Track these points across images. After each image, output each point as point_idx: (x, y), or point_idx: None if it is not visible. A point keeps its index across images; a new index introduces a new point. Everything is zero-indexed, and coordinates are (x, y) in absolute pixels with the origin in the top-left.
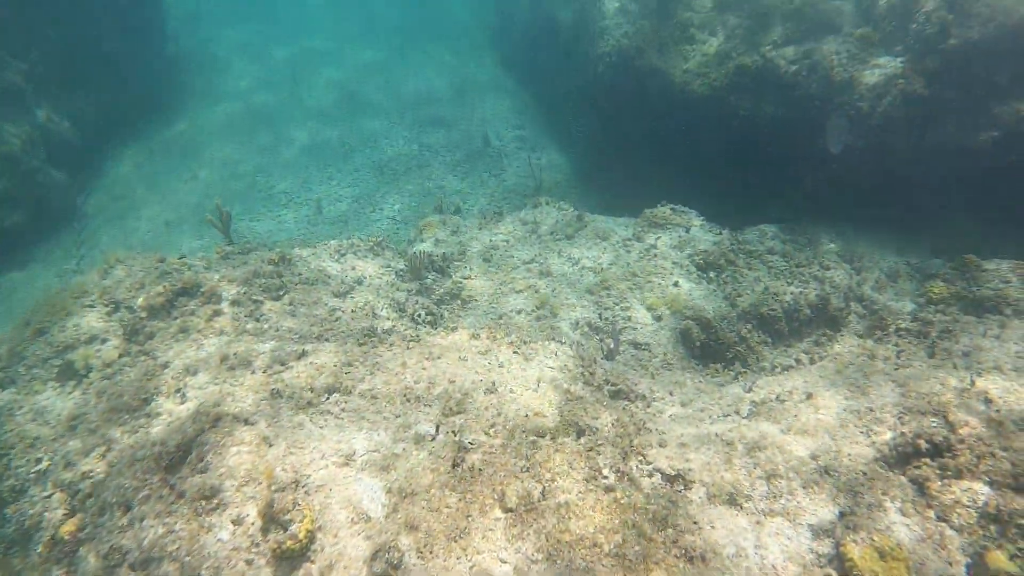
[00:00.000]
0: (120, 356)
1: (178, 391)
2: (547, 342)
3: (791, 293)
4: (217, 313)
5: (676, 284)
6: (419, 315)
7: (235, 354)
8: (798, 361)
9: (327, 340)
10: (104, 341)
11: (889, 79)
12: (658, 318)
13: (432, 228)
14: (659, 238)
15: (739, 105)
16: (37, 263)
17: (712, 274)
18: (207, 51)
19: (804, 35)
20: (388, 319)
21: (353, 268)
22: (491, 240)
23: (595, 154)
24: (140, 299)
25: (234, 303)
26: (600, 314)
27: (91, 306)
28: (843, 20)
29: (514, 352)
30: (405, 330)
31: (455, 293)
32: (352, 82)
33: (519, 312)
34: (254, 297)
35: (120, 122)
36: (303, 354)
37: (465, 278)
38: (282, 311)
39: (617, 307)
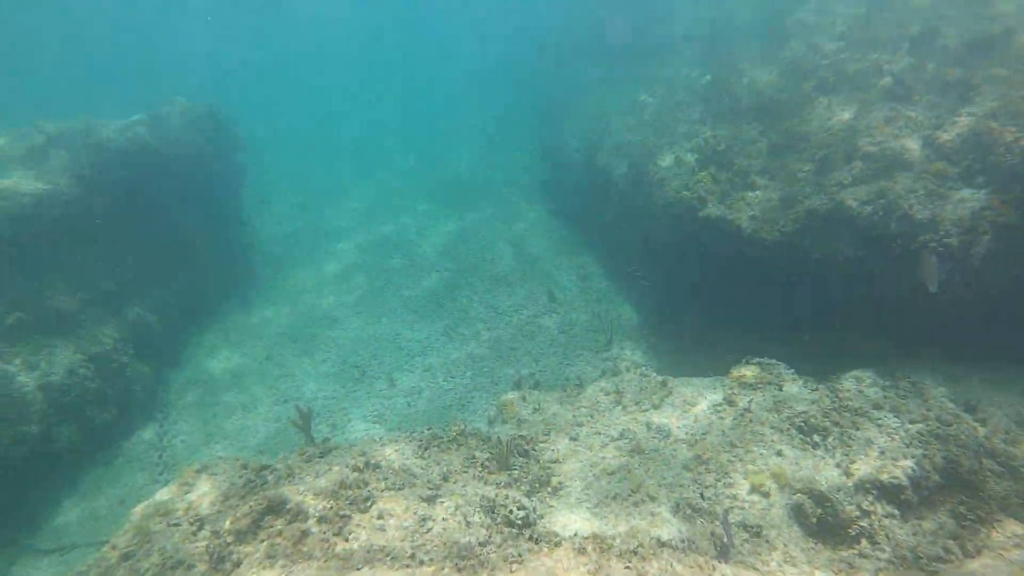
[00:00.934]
0: None
1: None
2: (659, 549)
3: (913, 456)
4: (304, 534)
5: (779, 453)
6: (512, 515)
7: None
8: (947, 551)
9: (423, 563)
10: (191, 568)
11: (976, 212)
12: (765, 494)
13: (512, 407)
14: (752, 400)
15: (812, 248)
16: (122, 458)
17: (817, 438)
18: (277, 237)
19: (874, 174)
20: (481, 525)
21: (438, 463)
22: (575, 416)
23: (662, 303)
24: (227, 521)
25: (321, 520)
26: (701, 493)
27: (177, 524)
28: (911, 156)
29: (626, 567)
30: (503, 542)
31: (544, 480)
32: (416, 250)
33: (614, 498)
34: (341, 512)
35: (199, 309)
36: None
37: (553, 462)
38: (371, 526)
39: (719, 483)
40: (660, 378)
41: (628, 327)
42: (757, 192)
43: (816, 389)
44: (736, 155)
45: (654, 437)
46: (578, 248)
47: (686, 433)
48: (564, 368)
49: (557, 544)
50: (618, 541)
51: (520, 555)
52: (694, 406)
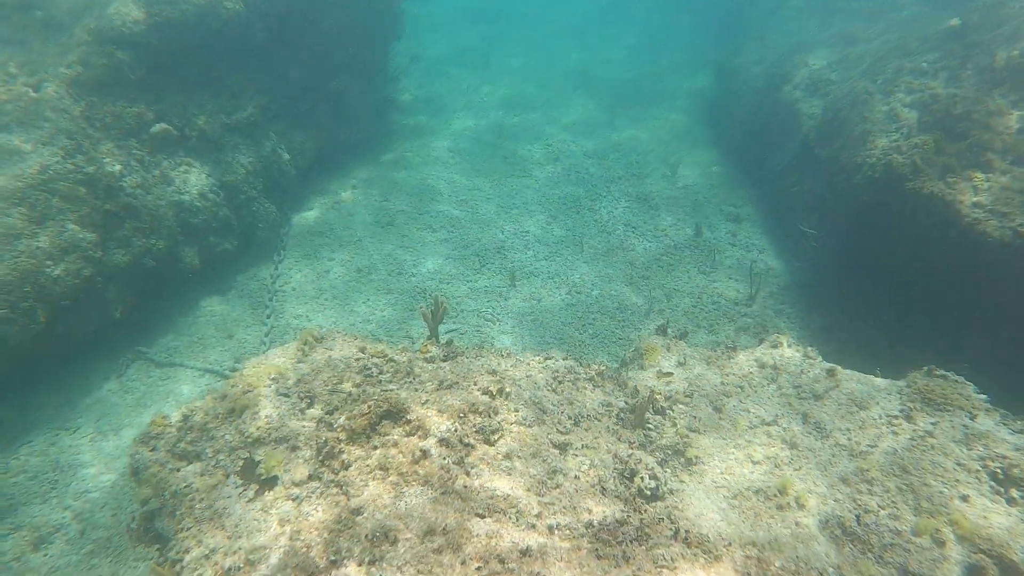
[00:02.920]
0: (309, 478)
1: (372, 561)
2: None
3: None
4: (424, 455)
5: (964, 498)
6: (643, 483)
7: (444, 527)
8: None
9: (553, 532)
10: (295, 449)
11: None
12: (939, 542)
13: (654, 354)
14: (936, 424)
15: None
16: (236, 291)
17: (1017, 494)
18: (420, 100)
19: None
20: (617, 496)
21: (570, 402)
22: (722, 383)
23: (825, 271)
24: (342, 417)
25: (443, 443)
26: (858, 516)
27: (286, 395)
28: None
29: None
30: (641, 523)
31: (679, 450)
32: (559, 143)
33: (756, 492)
34: (466, 439)
35: (331, 157)
36: (526, 552)
37: (692, 430)
38: (496, 464)
39: (881, 511)
40: (827, 365)
41: (776, 286)
42: (991, 176)
43: (1023, 432)
44: (974, 125)
45: (811, 433)
46: (736, 185)
47: (849, 439)
48: (697, 312)
49: (716, 558)
50: (777, 564)
51: (673, 560)
52: (863, 409)
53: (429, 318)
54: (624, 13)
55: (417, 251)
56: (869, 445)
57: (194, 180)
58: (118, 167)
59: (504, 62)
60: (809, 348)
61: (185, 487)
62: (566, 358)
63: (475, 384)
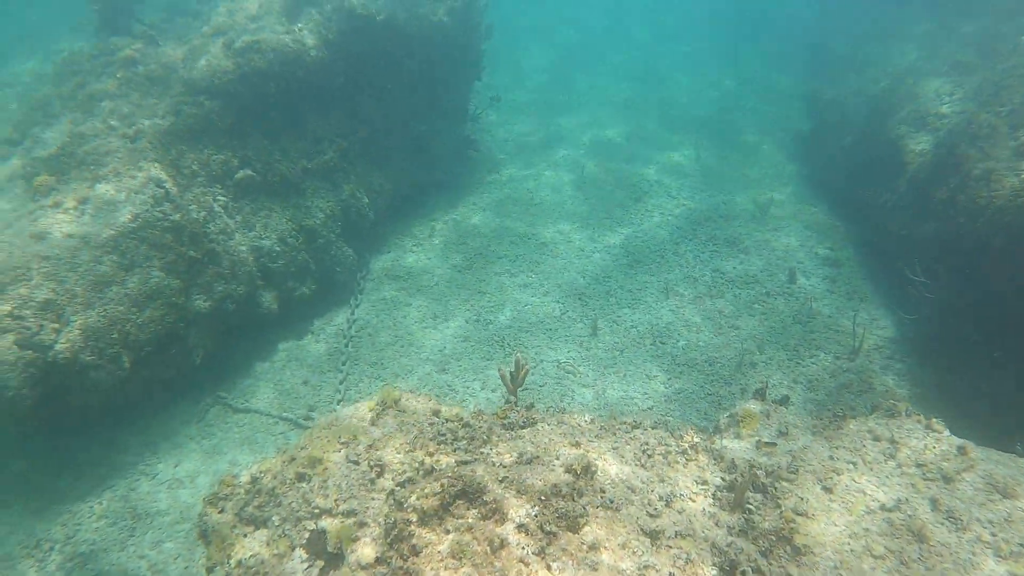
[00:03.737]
0: (376, 561)
1: None
2: None
3: None
4: (502, 543)
5: None
6: None
7: None
8: None
9: None
10: (363, 525)
11: None
12: None
13: (752, 422)
14: None
15: None
16: (312, 335)
17: None
18: (501, 139)
19: None
20: None
21: (661, 479)
22: (831, 457)
23: (939, 322)
24: (413, 496)
25: (522, 529)
26: None
27: (356, 462)
28: None
29: None
30: None
31: (786, 536)
32: (644, 183)
33: None
34: (547, 526)
35: (410, 200)
36: None
37: (800, 513)
38: (580, 556)
39: None
40: (957, 441)
41: (882, 338)
42: None
43: None
44: None
45: (943, 523)
46: (832, 226)
47: (994, 535)
48: (795, 367)
49: None
50: None
51: None
52: (1008, 497)
53: (508, 380)
54: (695, 48)
55: (495, 297)
56: (1021, 545)
57: (274, 225)
58: (203, 213)
59: (580, 98)
60: (934, 419)
61: (251, 556)
62: (655, 427)
63: (557, 459)
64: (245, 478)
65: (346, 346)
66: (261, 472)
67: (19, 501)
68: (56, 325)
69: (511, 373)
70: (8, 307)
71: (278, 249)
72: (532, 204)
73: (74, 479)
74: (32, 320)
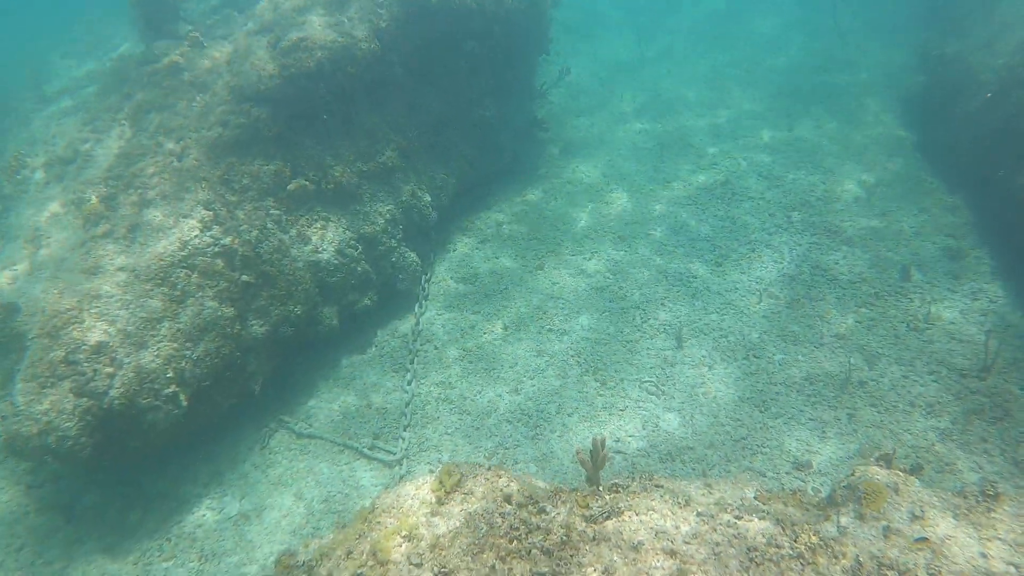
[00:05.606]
0: None
1: None
2: None
3: None
4: None
5: None
6: None
7: None
8: None
9: None
10: None
11: None
12: None
13: (878, 499)
14: None
15: None
16: (375, 349)
17: None
18: (571, 116)
19: None
20: None
21: None
22: (983, 552)
23: None
24: None
25: None
26: None
27: (418, 565)
28: None
29: None
30: None
31: None
32: (722, 157)
33: None
34: None
35: (475, 191)
36: None
37: None
38: None
39: None
40: None
41: (1021, 351)
42: None
43: None
44: None
45: None
46: (953, 207)
47: None
48: (911, 387)
49: None
50: None
51: None
52: None
53: (589, 465)
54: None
55: (569, 302)
56: None
57: (331, 236)
58: (255, 233)
59: (654, 67)
60: None
61: None
62: (763, 518)
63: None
64: (301, 562)
65: (411, 362)
66: (317, 560)
67: (91, 537)
68: (110, 369)
69: (591, 457)
70: (62, 353)
71: (336, 262)
72: (603, 189)
73: (144, 512)
74: (86, 365)
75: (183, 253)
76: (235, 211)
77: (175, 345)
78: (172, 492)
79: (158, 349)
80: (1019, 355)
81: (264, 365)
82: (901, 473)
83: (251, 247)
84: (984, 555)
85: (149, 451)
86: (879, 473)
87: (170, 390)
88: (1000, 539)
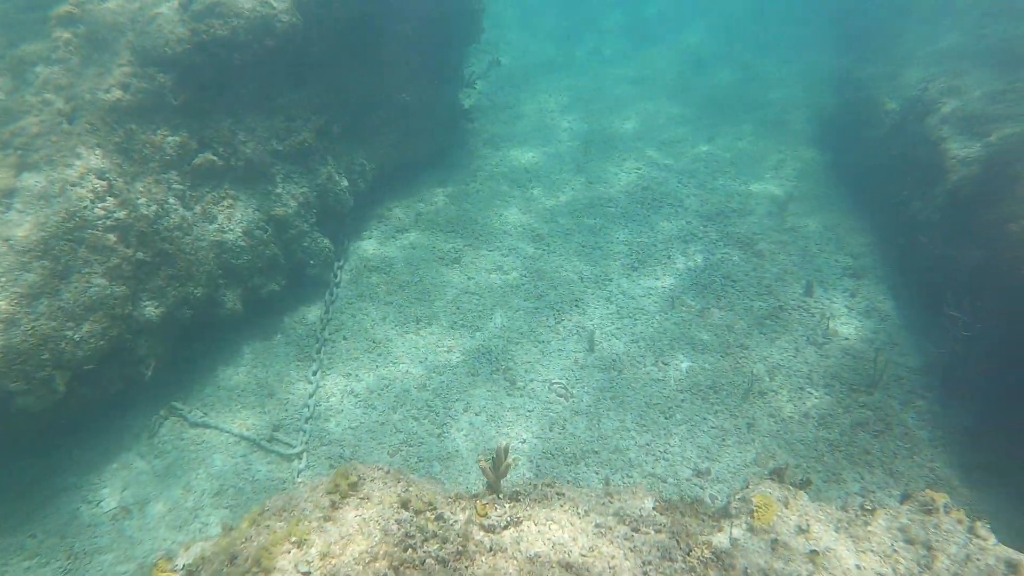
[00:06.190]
0: None
1: None
2: None
3: None
4: None
5: None
6: None
7: None
8: None
9: None
10: None
11: None
12: None
13: (768, 512)
14: None
15: None
16: (282, 336)
17: None
18: (499, 107)
19: None
20: None
21: None
22: (858, 564)
23: (973, 359)
24: None
25: None
26: None
27: (307, 573)
28: None
29: None
30: None
31: None
32: (648, 165)
33: None
34: None
35: (395, 178)
36: None
37: None
38: None
39: None
40: (1005, 553)
41: (904, 368)
42: None
43: None
44: None
45: None
46: (857, 229)
47: None
48: (806, 398)
49: None
50: None
51: None
52: None
53: (490, 475)
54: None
55: (484, 298)
56: None
57: (239, 216)
58: (154, 208)
59: (584, 66)
60: (979, 521)
61: None
62: (660, 531)
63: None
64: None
65: (318, 352)
66: (197, 566)
67: None
68: None
69: (493, 466)
70: None
71: (243, 244)
72: (526, 185)
73: (9, 504)
74: None
75: (69, 224)
76: (133, 183)
77: (54, 324)
78: (45, 482)
79: (33, 328)
80: (901, 372)
81: (158, 348)
82: (792, 487)
83: (149, 223)
84: (859, 566)
85: (22, 438)
86: (772, 488)
87: (45, 373)
88: (872, 551)
